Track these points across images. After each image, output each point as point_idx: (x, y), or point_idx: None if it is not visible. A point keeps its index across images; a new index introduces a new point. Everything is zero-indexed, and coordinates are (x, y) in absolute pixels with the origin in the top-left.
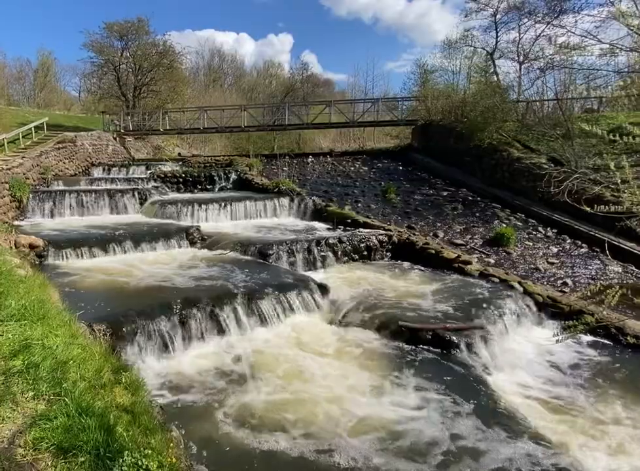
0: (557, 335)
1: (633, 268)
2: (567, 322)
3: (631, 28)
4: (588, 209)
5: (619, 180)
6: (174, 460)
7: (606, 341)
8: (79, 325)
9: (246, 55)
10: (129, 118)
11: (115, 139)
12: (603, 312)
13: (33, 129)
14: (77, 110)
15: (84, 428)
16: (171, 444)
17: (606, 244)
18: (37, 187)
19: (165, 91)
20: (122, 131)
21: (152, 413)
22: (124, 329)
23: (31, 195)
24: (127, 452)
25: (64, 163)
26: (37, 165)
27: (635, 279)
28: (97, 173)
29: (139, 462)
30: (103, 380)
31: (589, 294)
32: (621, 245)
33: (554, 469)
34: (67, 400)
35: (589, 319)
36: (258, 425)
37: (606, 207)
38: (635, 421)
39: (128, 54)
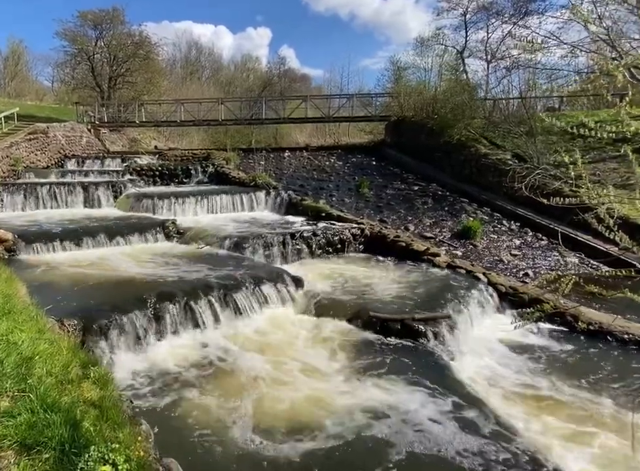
0: (515, 322)
1: (589, 259)
2: (523, 309)
3: (590, 28)
4: (545, 201)
5: (572, 174)
6: (142, 453)
7: (562, 328)
8: (47, 320)
9: (224, 49)
10: (104, 109)
11: (89, 130)
12: (560, 300)
13: (2, 119)
14: (50, 100)
15: (49, 424)
16: (139, 438)
17: (559, 235)
18: (7, 179)
19: (141, 83)
20: (97, 122)
21: (121, 407)
22: (96, 324)
23: (0, 188)
24: (93, 447)
25: (36, 154)
26: (7, 157)
27: (590, 269)
28: (70, 165)
29: (106, 457)
30: (71, 375)
31: (544, 283)
32: (578, 238)
33: (509, 447)
34: (31, 396)
35: (546, 307)
36: (228, 417)
37: (561, 199)
38: (584, 400)
39: (103, 44)
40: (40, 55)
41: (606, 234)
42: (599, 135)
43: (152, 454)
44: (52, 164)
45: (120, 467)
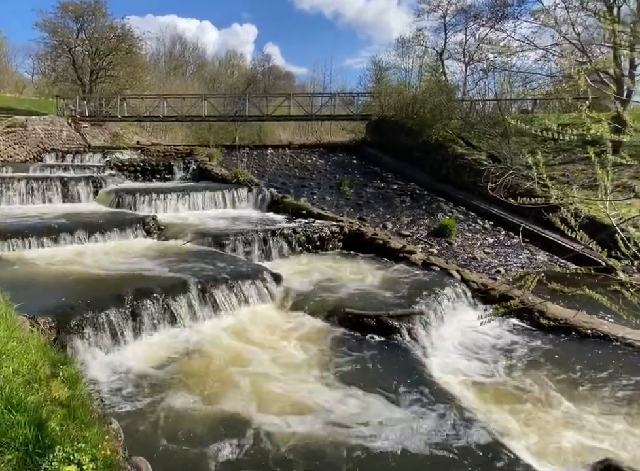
0: (481, 318)
1: (557, 257)
2: (489, 306)
3: (557, 33)
4: (513, 201)
5: (535, 174)
6: (108, 452)
7: (531, 323)
8: (18, 318)
9: (209, 44)
10: (85, 103)
11: (70, 124)
12: (529, 297)
13: None
14: (30, 93)
15: (13, 424)
16: (107, 437)
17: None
18: None
19: (124, 77)
20: (78, 116)
21: (91, 406)
22: (71, 321)
23: None
24: (58, 447)
25: (13, 148)
26: None
27: (558, 266)
28: (49, 159)
29: (71, 457)
30: (39, 374)
31: (511, 280)
32: (547, 236)
33: (476, 439)
34: None
35: (512, 303)
36: (203, 416)
37: (528, 199)
38: (547, 393)
39: (84, 36)
40: (21, 47)
41: (569, 233)
42: (561, 137)
43: (121, 453)
44: (30, 158)
45: (85, 467)
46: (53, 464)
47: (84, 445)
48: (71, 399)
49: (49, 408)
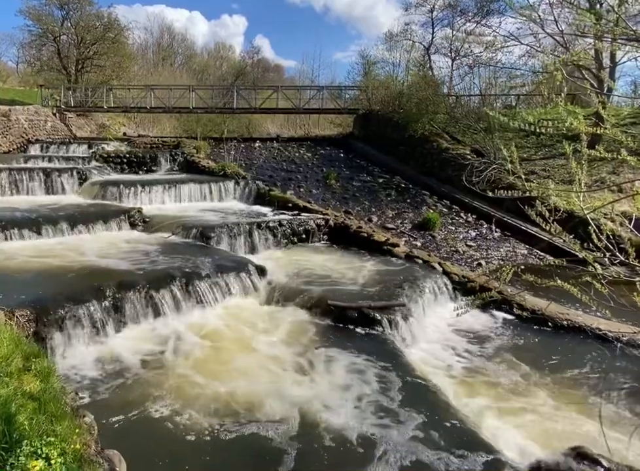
0: (457, 310)
1: (536, 250)
2: (468, 297)
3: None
4: (490, 193)
5: (509, 166)
6: (78, 446)
7: (509, 314)
8: None
9: (199, 35)
10: (71, 93)
11: (55, 114)
12: (508, 289)
13: None
14: (14, 82)
15: None
16: (78, 430)
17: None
18: None
19: (110, 67)
20: (63, 106)
21: (64, 400)
22: (50, 314)
23: None
24: (26, 441)
25: None
26: None
27: (537, 259)
28: (33, 150)
29: (39, 451)
30: (10, 368)
31: (487, 271)
32: (528, 230)
33: (452, 427)
34: None
35: (490, 294)
36: (184, 409)
37: (505, 192)
38: (522, 382)
39: (70, 24)
40: (4, 34)
41: (543, 225)
42: (539, 130)
43: (93, 447)
44: (13, 149)
45: (53, 461)
46: (20, 459)
47: (53, 439)
48: (43, 392)
49: (19, 402)
